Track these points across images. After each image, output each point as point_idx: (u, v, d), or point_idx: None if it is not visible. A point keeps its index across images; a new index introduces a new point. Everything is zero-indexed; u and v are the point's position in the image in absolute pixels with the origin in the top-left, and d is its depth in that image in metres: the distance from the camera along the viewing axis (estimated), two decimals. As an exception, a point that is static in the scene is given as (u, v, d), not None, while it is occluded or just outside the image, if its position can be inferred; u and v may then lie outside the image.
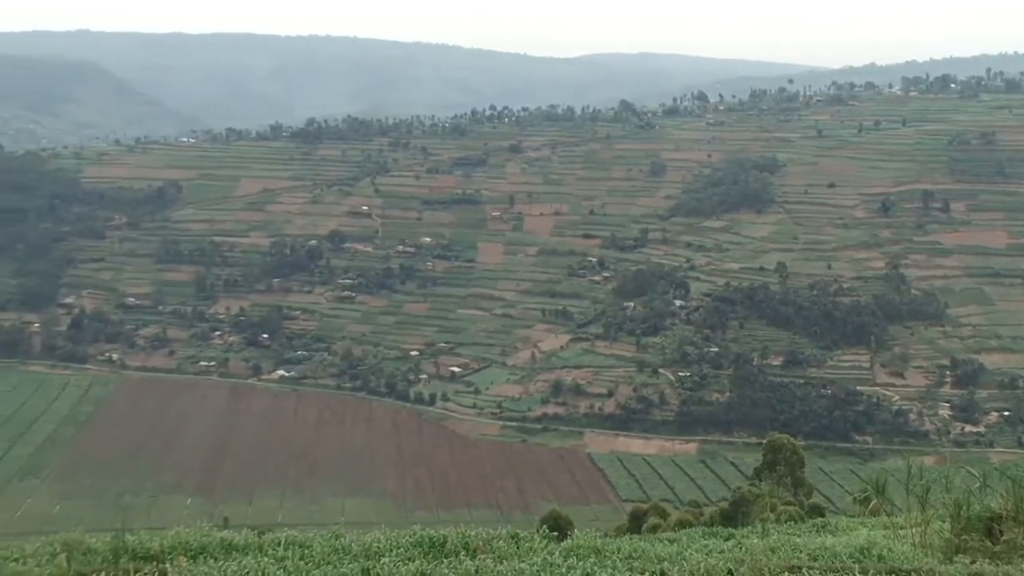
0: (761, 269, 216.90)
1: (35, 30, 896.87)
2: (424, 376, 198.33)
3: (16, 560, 18.94)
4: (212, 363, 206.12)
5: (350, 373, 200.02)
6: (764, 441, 76.58)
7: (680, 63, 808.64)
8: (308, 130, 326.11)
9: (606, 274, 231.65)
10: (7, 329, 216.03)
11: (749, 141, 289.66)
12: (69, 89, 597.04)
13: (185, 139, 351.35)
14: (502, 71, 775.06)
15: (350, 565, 18.32)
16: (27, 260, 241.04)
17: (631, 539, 23.81)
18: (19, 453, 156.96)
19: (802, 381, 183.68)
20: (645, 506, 65.54)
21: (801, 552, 20.75)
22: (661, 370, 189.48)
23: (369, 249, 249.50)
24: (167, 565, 18.22)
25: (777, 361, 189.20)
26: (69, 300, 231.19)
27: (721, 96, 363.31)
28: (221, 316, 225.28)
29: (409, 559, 18.91)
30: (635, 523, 56.40)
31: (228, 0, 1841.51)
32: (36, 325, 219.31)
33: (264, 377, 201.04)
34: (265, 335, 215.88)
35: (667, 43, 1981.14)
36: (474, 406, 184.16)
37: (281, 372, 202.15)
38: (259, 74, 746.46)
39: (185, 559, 18.51)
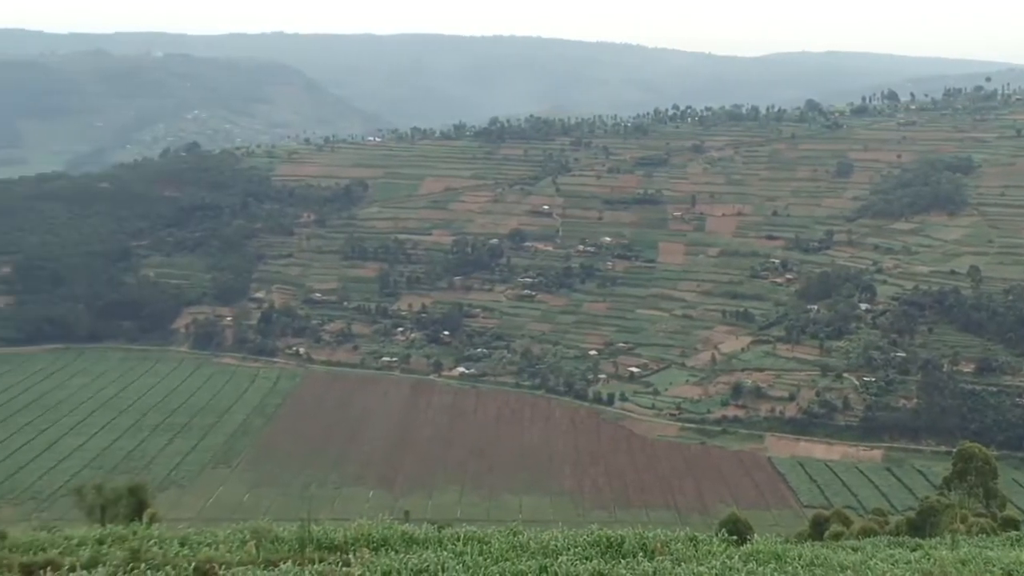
0: (952, 273, 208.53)
1: (233, 33, 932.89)
2: (603, 376, 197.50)
3: (209, 545, 19.68)
4: (394, 359, 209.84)
5: (529, 371, 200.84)
6: (954, 450, 73.92)
7: (869, 62, 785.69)
8: (491, 130, 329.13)
9: (789, 276, 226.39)
10: (202, 322, 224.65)
11: (942, 141, 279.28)
12: (263, 89, 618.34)
13: (371, 138, 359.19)
14: (685, 70, 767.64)
15: (528, 562, 18.30)
16: (221, 255, 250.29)
17: (812, 546, 23.13)
18: (212, 442, 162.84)
19: (995, 389, 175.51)
20: (827, 513, 63.92)
21: (994, 567, 19.85)
22: (845, 374, 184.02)
23: (549, 248, 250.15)
24: (350, 556, 18.61)
25: (968, 368, 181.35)
26: (259, 295, 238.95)
27: (912, 95, 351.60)
28: (404, 313, 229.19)
29: (586, 558, 18.80)
30: (816, 530, 55.04)
31: (416, 2, 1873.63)
32: (228, 319, 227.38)
33: (445, 373, 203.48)
34: (446, 332, 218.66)
35: (855, 42, 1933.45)
36: (653, 407, 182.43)
37: (461, 369, 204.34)
38: (444, 74, 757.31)
39: (368, 551, 18.90)
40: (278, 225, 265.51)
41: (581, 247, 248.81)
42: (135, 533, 20.30)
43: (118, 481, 35.40)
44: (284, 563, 18.34)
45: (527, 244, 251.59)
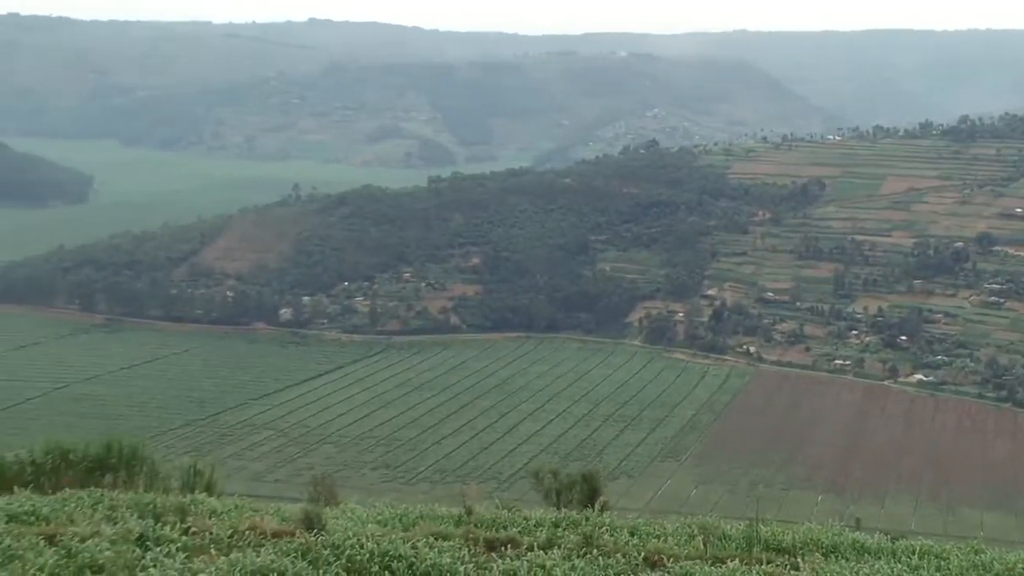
0: None
1: (695, 31, 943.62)
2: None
3: (658, 537, 20.07)
4: (847, 362, 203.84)
5: (994, 382, 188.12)
6: None
7: None
8: (960, 128, 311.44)
9: None
10: (655, 317, 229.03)
11: None
12: (725, 88, 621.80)
13: (830, 136, 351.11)
14: None
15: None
16: (675, 252, 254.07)
17: None
18: (661, 435, 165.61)
19: None
20: None
21: None
22: None
23: (1021, 253, 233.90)
24: (799, 559, 18.32)
25: None
26: (711, 292, 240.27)
27: None
28: (858, 315, 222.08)
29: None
30: None
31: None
32: (680, 315, 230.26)
33: (900, 380, 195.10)
34: (903, 337, 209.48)
35: None
36: None
37: (919, 376, 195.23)
38: (905, 70, 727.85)
39: (819, 556, 18.51)
40: (732, 223, 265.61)
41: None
42: (588, 519, 20.93)
43: (572, 467, 36.85)
44: (731, 561, 18.24)
45: (996, 248, 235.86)
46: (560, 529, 19.60)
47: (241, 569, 16.57)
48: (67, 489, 21.86)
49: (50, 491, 22.37)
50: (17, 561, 16.17)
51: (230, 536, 18.55)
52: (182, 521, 18.45)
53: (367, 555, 17.29)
